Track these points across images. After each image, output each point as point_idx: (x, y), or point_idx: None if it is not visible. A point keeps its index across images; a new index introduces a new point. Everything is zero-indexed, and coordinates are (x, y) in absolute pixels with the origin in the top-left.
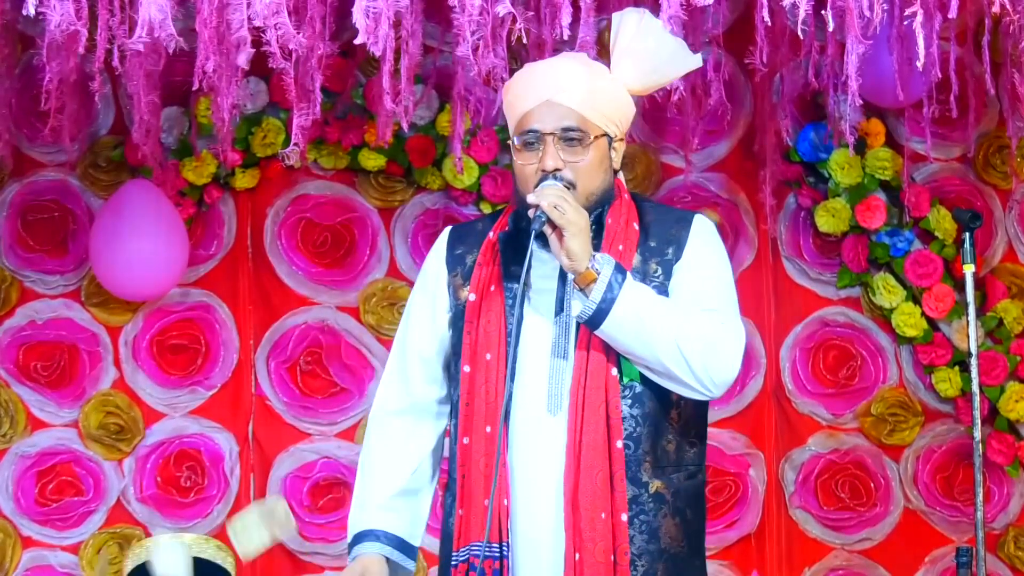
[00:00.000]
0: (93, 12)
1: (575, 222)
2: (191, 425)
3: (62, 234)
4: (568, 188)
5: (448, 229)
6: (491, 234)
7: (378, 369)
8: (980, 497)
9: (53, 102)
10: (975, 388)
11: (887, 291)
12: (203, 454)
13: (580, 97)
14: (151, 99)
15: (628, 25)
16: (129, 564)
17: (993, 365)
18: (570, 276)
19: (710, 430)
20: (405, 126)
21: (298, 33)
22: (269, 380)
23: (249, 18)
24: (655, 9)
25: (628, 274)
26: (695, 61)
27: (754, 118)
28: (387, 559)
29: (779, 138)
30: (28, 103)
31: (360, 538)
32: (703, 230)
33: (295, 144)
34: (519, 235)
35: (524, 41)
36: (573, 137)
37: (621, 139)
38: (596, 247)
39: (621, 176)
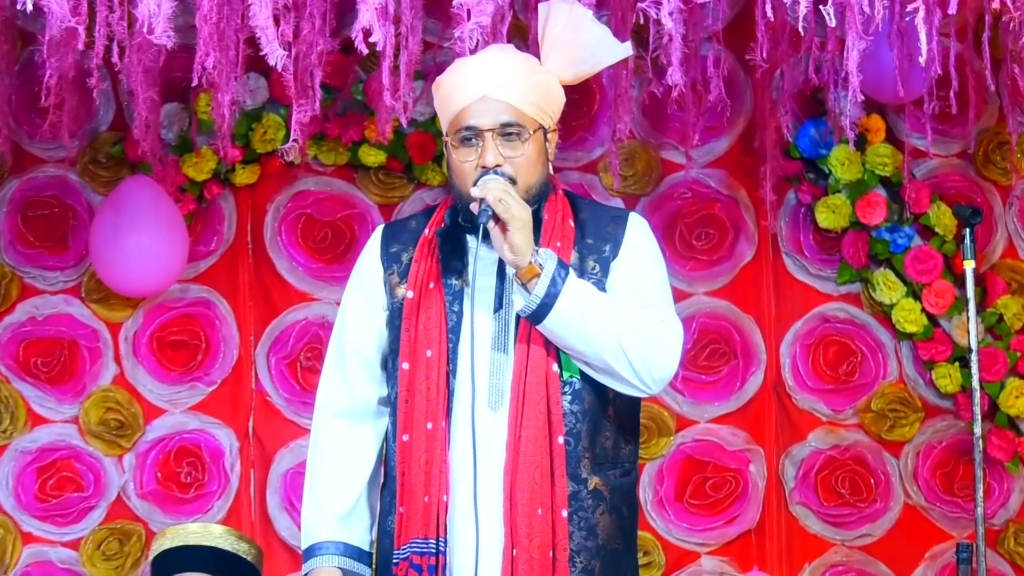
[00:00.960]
0: (92, 8)
1: (519, 216)
2: (191, 421)
3: (62, 230)
4: (509, 183)
5: (381, 227)
6: (427, 231)
7: None
8: (980, 493)
9: (53, 98)
10: (975, 384)
11: (887, 287)
12: (203, 450)
13: (516, 92)
14: (151, 95)
15: (557, 16)
16: (156, 549)
17: (993, 361)
18: (510, 271)
19: (710, 426)
20: (405, 122)
21: (297, 30)
22: (269, 376)
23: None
24: (656, 4)
25: (571, 270)
26: (625, 49)
27: (754, 114)
28: (342, 570)
29: (779, 134)
30: (28, 99)
31: (313, 551)
32: (639, 228)
33: (295, 140)
34: (456, 230)
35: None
36: (511, 132)
37: (554, 130)
38: (535, 243)
39: (551, 169)
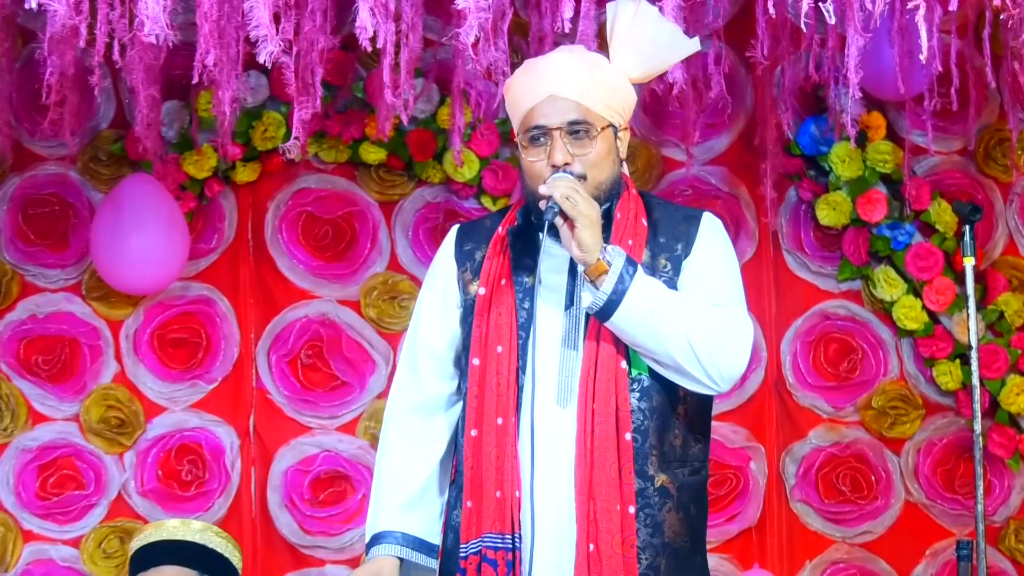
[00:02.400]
0: (93, 6)
1: (587, 214)
2: (192, 419)
3: (63, 228)
4: (579, 180)
5: (456, 227)
6: (499, 229)
7: (379, 363)
8: (981, 490)
9: (54, 96)
10: (975, 381)
11: (888, 284)
12: (204, 448)
13: (583, 89)
14: (151, 93)
15: (624, 14)
16: (135, 544)
17: (994, 358)
18: (580, 268)
19: (712, 423)
20: (405, 120)
21: (298, 27)
22: (270, 374)
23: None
24: (657, 2)
25: (639, 267)
26: (693, 45)
27: (755, 111)
28: (403, 560)
29: (780, 131)
30: (29, 97)
31: (376, 540)
32: (712, 227)
33: (296, 138)
34: (528, 229)
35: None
36: (579, 130)
37: (625, 128)
38: (605, 241)
39: (625, 168)
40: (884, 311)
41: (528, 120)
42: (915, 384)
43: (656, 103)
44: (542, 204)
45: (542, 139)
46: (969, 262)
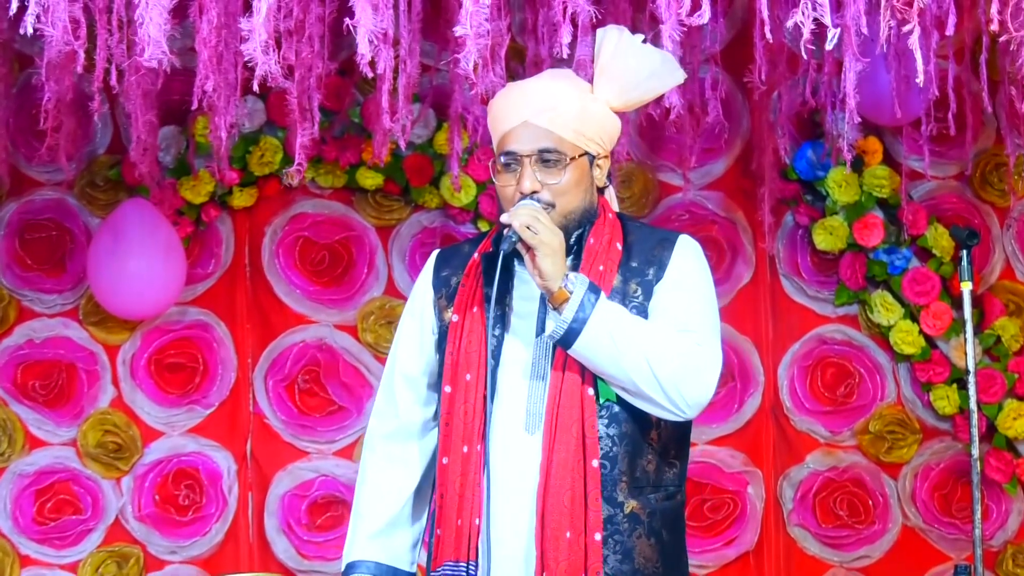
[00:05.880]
0: (91, 31)
1: (547, 242)
2: (189, 443)
3: (60, 253)
4: (547, 208)
5: (436, 252)
6: (476, 255)
7: (376, 387)
8: (978, 514)
9: (51, 121)
10: (973, 406)
11: (885, 308)
12: (201, 472)
13: (559, 118)
14: (149, 118)
15: (609, 43)
16: None
17: (991, 383)
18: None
19: (708, 448)
20: (403, 144)
21: (296, 52)
22: (267, 398)
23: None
24: (654, 27)
25: (601, 293)
26: (677, 77)
27: (752, 136)
28: None
29: (776, 156)
30: (26, 122)
31: (348, 570)
32: (686, 251)
33: (298, 165)
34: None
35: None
36: (550, 159)
37: (605, 156)
38: (576, 267)
39: (612, 194)
40: (881, 335)
41: (502, 145)
42: (912, 408)
43: (653, 128)
44: (506, 231)
45: (513, 165)
46: (966, 287)
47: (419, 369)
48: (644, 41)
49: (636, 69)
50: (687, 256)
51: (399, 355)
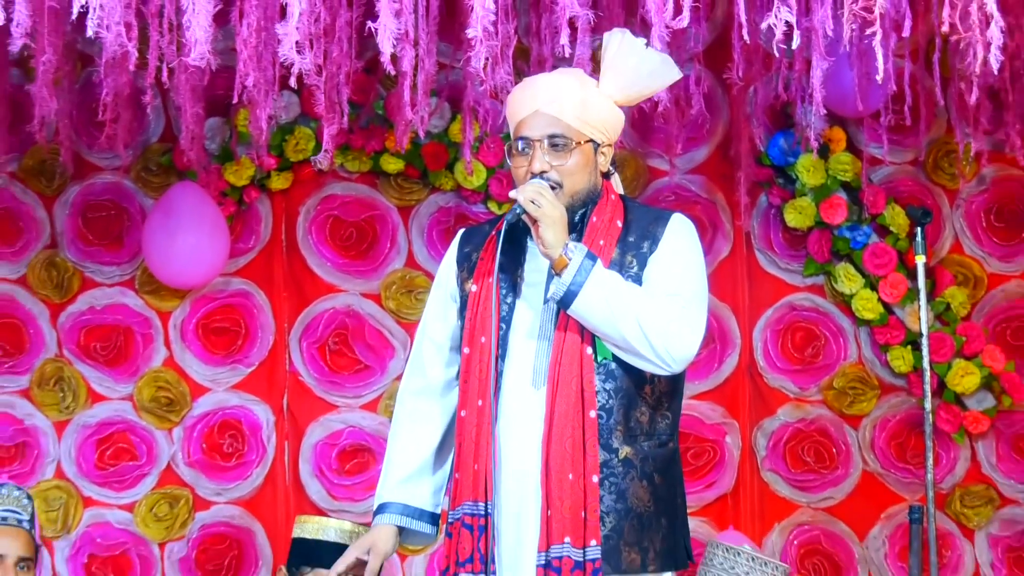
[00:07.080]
0: (144, 33)
1: (549, 215)
2: (232, 398)
3: (118, 230)
4: (554, 188)
5: (461, 232)
6: (493, 233)
7: (398, 349)
8: (930, 461)
9: (109, 113)
10: (925, 365)
11: (848, 279)
12: (243, 424)
13: (566, 108)
14: (196, 111)
15: (613, 44)
16: (300, 532)
17: (941, 345)
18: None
19: (692, 402)
20: (421, 134)
21: (327, 53)
22: (301, 358)
23: (279, 41)
24: (645, 30)
25: (598, 260)
26: (673, 75)
27: (730, 126)
28: (402, 528)
29: (752, 144)
30: (87, 114)
31: (379, 510)
32: (679, 226)
33: (326, 151)
34: (516, 231)
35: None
36: (558, 143)
37: (609, 145)
38: (579, 239)
39: (617, 179)
40: (844, 303)
41: (517, 131)
42: (872, 367)
43: (643, 119)
44: (514, 205)
45: (526, 149)
46: (920, 260)
47: (444, 335)
48: (647, 45)
49: (637, 68)
50: (679, 231)
51: (427, 322)
